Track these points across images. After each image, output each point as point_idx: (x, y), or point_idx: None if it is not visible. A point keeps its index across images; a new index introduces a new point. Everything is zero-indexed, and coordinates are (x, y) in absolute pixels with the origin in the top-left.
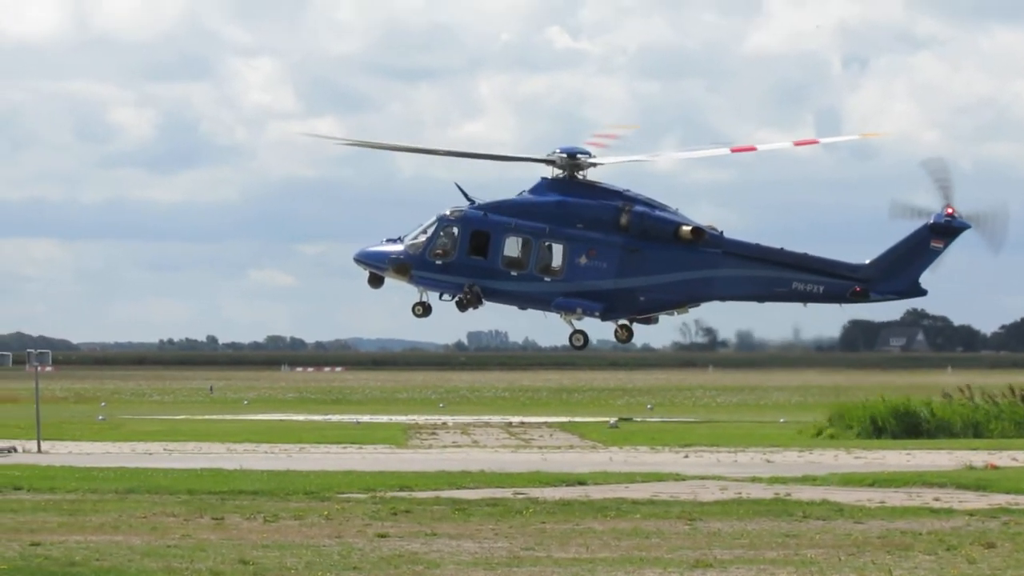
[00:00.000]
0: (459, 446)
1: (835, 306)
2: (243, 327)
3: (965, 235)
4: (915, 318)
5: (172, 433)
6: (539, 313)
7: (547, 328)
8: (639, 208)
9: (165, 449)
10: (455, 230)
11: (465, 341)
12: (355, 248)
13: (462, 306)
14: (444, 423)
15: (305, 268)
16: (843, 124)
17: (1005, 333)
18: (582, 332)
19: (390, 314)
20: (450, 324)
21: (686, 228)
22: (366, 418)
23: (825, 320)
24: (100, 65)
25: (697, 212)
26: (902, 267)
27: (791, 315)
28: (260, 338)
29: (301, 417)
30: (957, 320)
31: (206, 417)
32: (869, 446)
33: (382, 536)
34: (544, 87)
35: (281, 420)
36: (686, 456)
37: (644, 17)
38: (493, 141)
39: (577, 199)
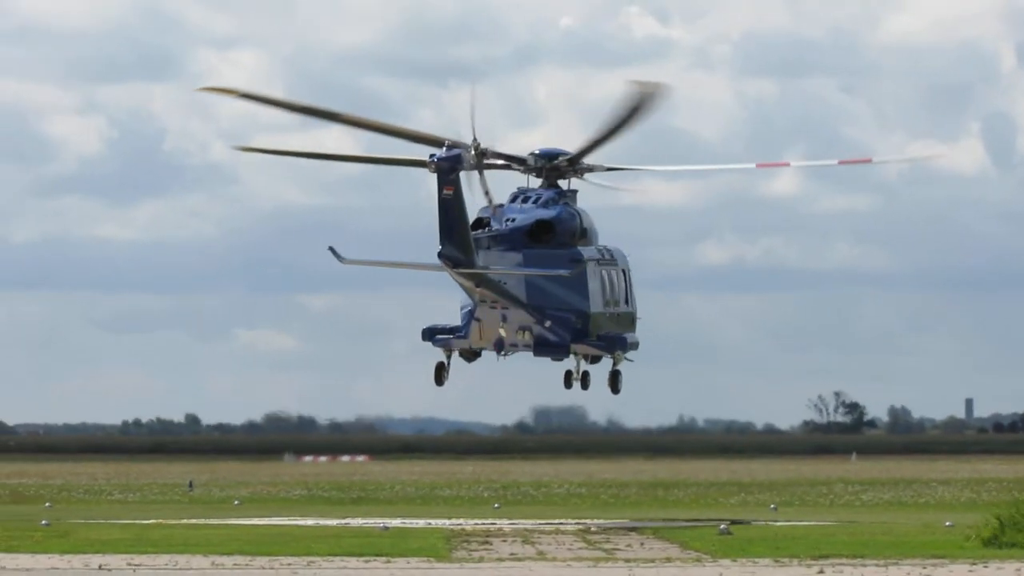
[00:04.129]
0: (520, 559)
1: (1020, 377)
2: (233, 404)
3: None
4: None
5: (139, 543)
6: (625, 385)
7: (638, 403)
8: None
9: (129, 564)
10: None
11: (530, 421)
12: (371, 298)
13: None
14: (500, 528)
15: (312, 326)
16: (1018, 133)
17: None
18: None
19: (429, 386)
20: (510, 399)
21: None
22: (396, 522)
23: (1007, 392)
24: (31, 60)
25: (830, 249)
26: None
27: (960, 387)
28: (256, 417)
29: (311, 521)
30: None
31: (184, 521)
32: None
33: None
34: (619, 87)
35: (284, 525)
36: (820, 571)
37: None
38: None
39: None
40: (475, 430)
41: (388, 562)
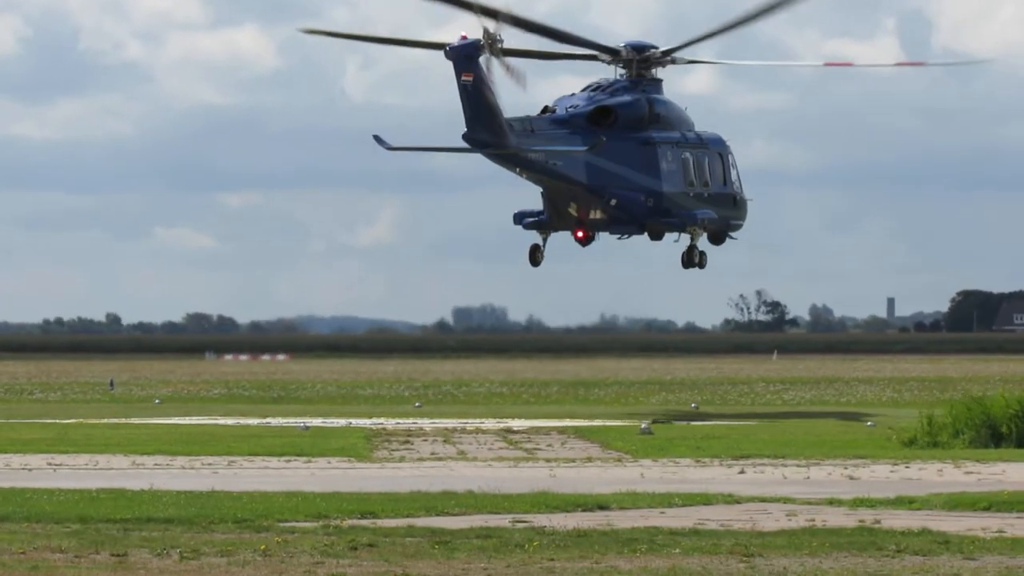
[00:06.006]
0: (441, 458)
1: (941, 277)
2: (153, 303)
3: None
4: None
5: (60, 442)
6: (545, 285)
7: (558, 302)
8: None
9: (50, 464)
10: None
11: (450, 320)
12: (290, 197)
13: None
14: (421, 428)
15: (230, 224)
16: (932, 34)
17: None
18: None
19: (349, 284)
20: (430, 299)
21: None
22: (317, 421)
23: (929, 292)
24: None
25: (748, 147)
26: None
27: (882, 286)
28: (176, 317)
29: (231, 420)
30: None
31: (105, 421)
32: (984, 457)
33: None
34: None
35: (204, 424)
36: (742, 471)
37: None
38: None
39: None
40: (396, 328)
41: (309, 461)
